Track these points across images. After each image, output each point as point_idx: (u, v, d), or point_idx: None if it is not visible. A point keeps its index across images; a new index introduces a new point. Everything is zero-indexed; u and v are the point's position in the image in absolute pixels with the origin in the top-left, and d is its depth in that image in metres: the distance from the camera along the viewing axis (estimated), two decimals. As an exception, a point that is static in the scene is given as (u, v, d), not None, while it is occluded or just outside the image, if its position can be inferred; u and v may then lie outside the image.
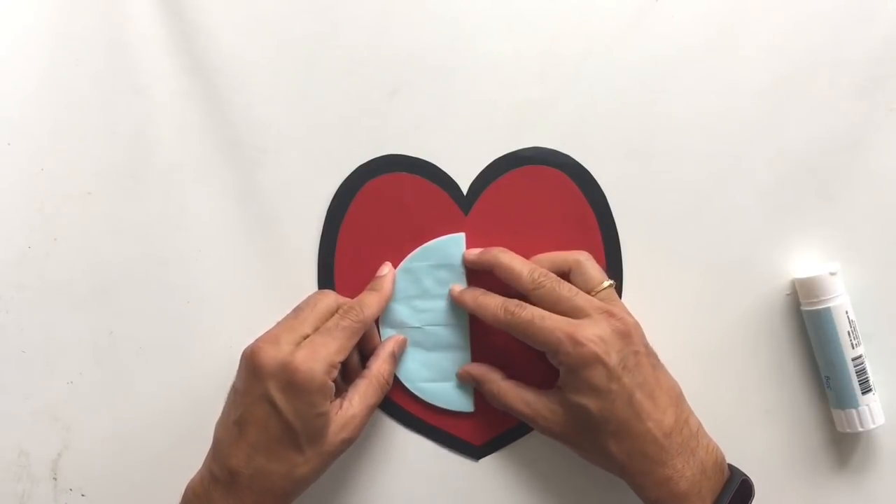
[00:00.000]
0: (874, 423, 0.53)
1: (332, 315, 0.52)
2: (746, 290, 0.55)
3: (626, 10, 0.56)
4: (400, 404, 0.56)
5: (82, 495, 0.57)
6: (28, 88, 0.57)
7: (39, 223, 0.57)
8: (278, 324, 0.52)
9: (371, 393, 0.52)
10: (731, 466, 0.50)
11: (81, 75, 0.57)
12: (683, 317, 0.55)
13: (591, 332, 0.48)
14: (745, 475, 0.50)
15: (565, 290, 0.51)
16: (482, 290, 0.53)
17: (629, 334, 0.49)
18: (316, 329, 0.51)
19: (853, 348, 0.52)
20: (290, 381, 0.48)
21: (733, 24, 0.55)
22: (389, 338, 0.55)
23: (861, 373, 0.52)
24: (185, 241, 0.57)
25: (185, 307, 0.57)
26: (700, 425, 0.50)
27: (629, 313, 0.51)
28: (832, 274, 0.53)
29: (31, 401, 0.57)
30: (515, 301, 0.51)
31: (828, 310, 0.52)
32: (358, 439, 0.51)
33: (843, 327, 0.52)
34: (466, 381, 0.55)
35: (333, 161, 0.56)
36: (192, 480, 0.51)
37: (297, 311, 0.52)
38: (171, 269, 0.57)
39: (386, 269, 0.55)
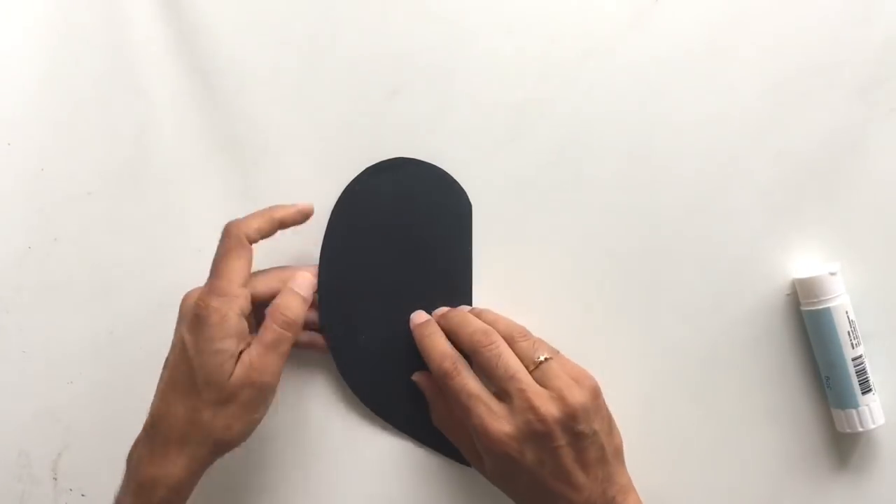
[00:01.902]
0: (874, 423, 0.52)
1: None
2: (746, 290, 0.55)
3: (625, 10, 0.56)
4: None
5: (82, 495, 0.57)
6: (28, 89, 0.58)
7: (39, 223, 0.58)
8: None
9: (269, 333, 0.49)
10: None
11: (82, 76, 0.58)
12: (684, 317, 0.55)
13: (506, 431, 0.48)
14: None
15: (502, 368, 0.49)
16: (437, 329, 0.53)
17: (548, 434, 0.47)
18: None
19: (853, 348, 0.52)
20: (198, 315, 0.48)
21: (733, 24, 0.55)
22: (298, 271, 0.53)
23: (861, 373, 0.52)
24: (185, 241, 0.57)
25: (185, 307, 0.57)
26: (621, 488, 0.49)
27: (563, 392, 0.48)
28: (832, 274, 0.53)
29: (31, 401, 0.57)
30: (457, 359, 0.50)
31: (828, 310, 0.52)
32: (274, 391, 0.50)
33: (843, 327, 0.52)
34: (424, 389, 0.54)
35: (333, 161, 0.56)
36: (137, 438, 0.51)
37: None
38: (171, 269, 0.57)
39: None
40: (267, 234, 0.51)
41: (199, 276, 0.56)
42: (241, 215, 0.56)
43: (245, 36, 0.57)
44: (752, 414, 0.55)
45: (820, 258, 0.55)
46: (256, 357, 0.49)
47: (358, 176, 0.56)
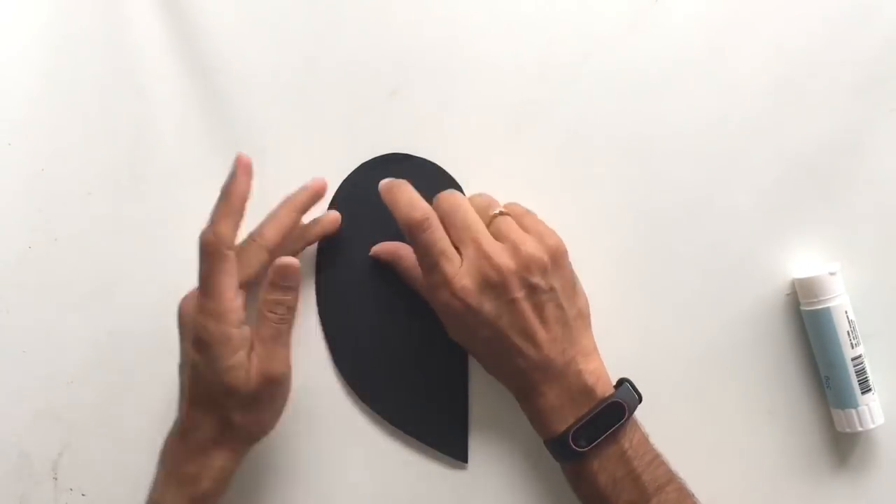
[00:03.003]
0: (874, 422, 0.53)
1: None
2: (746, 290, 0.55)
3: (625, 10, 0.56)
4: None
5: (82, 495, 0.57)
6: (29, 89, 0.58)
7: (39, 223, 0.58)
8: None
9: (267, 330, 0.50)
10: (623, 387, 0.50)
11: (82, 75, 0.57)
12: (683, 317, 0.55)
13: (464, 284, 0.48)
14: (624, 398, 0.49)
15: (460, 218, 0.50)
16: (406, 184, 0.51)
17: (503, 284, 0.48)
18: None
19: (853, 348, 0.52)
20: (200, 338, 0.49)
21: (733, 24, 0.55)
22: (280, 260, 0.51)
23: (860, 373, 0.52)
24: (185, 241, 0.57)
25: (185, 307, 0.57)
26: (582, 352, 0.50)
27: (518, 245, 0.49)
28: (832, 274, 0.53)
29: (31, 401, 0.57)
30: (428, 211, 0.49)
31: (827, 310, 0.52)
32: (289, 379, 0.52)
33: (842, 327, 0.52)
34: (382, 259, 0.55)
35: (333, 161, 0.56)
36: (170, 430, 0.52)
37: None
38: (171, 269, 0.57)
39: (314, 180, 0.54)
40: (239, 226, 0.50)
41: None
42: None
43: (245, 36, 0.57)
44: (752, 414, 0.55)
45: (820, 258, 0.55)
46: (265, 355, 0.50)
47: (353, 172, 0.56)
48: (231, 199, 0.49)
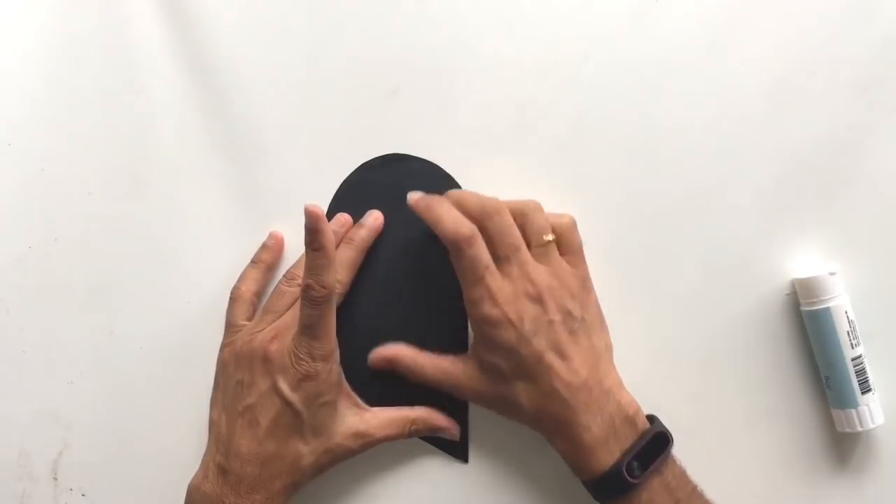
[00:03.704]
0: (874, 422, 0.53)
1: None
2: (746, 290, 0.55)
3: (625, 9, 0.56)
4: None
5: (82, 495, 0.57)
6: (28, 88, 0.58)
7: (39, 223, 0.58)
8: (268, 314, 0.53)
9: (395, 430, 0.53)
10: (652, 419, 0.51)
11: (82, 75, 0.58)
12: (683, 317, 0.55)
13: (509, 297, 0.49)
14: (663, 428, 0.50)
15: (511, 237, 0.50)
16: (445, 200, 0.51)
17: (542, 300, 0.50)
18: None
19: (853, 348, 0.52)
20: (307, 375, 0.49)
21: (733, 23, 0.55)
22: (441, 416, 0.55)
23: (860, 373, 0.52)
24: (185, 241, 0.57)
25: (186, 307, 0.57)
26: (616, 383, 0.51)
27: (557, 273, 0.51)
28: (832, 274, 0.53)
29: (31, 401, 0.57)
30: (473, 227, 0.50)
31: (827, 310, 0.52)
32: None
33: (842, 327, 0.52)
34: (381, 368, 0.54)
35: (334, 161, 0.56)
36: (195, 479, 0.51)
37: (280, 295, 0.54)
38: (171, 269, 0.57)
39: (371, 217, 0.55)
40: (336, 271, 0.50)
41: (198, 276, 0.57)
42: (240, 215, 0.57)
43: (245, 35, 0.57)
44: (752, 414, 0.55)
45: (820, 258, 0.55)
46: (366, 434, 0.52)
47: (353, 172, 0.56)
48: (327, 252, 0.49)
